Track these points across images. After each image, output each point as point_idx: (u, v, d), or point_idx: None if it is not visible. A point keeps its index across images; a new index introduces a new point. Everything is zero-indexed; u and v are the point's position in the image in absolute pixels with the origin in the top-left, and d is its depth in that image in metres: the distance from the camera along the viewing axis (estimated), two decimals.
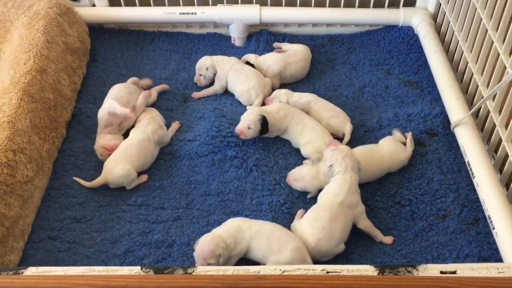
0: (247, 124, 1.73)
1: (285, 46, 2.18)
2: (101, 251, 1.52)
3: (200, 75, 2.03)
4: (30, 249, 1.51)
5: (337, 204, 1.49)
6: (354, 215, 1.52)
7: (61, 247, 1.52)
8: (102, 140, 1.76)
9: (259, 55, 2.12)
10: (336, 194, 1.51)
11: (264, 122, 1.73)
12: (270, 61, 2.05)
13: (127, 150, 1.71)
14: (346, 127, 1.81)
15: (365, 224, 1.54)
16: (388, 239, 1.54)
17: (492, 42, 1.69)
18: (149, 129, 1.76)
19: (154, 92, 1.97)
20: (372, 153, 1.69)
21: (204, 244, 1.41)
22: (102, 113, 1.81)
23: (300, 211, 1.57)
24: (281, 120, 1.77)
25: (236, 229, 1.46)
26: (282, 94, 1.90)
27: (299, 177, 1.65)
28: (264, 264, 1.44)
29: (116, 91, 1.87)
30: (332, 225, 1.47)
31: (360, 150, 1.68)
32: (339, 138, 1.79)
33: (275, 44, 2.21)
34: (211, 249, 1.39)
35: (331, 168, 1.57)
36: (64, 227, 1.58)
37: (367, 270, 0.94)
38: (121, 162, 1.67)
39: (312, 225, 1.48)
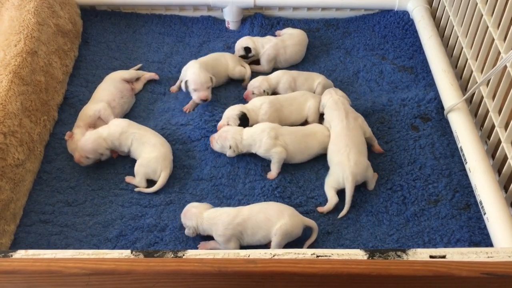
0: (226, 120, 1.72)
1: (283, 31, 2.15)
2: (93, 234, 1.51)
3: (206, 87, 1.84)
4: (21, 233, 1.51)
5: (345, 118, 1.66)
6: (360, 125, 1.68)
7: (53, 230, 1.52)
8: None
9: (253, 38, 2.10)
10: (338, 114, 1.69)
11: (244, 118, 1.72)
12: (267, 44, 2.03)
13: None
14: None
15: (369, 131, 1.71)
16: (380, 150, 1.72)
17: (487, 27, 1.68)
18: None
19: (141, 83, 1.96)
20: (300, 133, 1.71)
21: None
22: (92, 111, 1.77)
23: None
24: (266, 114, 1.74)
25: (221, 213, 1.47)
26: (260, 80, 1.88)
27: (224, 133, 1.66)
28: (265, 244, 1.46)
29: (110, 97, 1.81)
30: (352, 136, 1.62)
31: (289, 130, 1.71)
32: None
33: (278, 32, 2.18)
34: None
35: (321, 103, 1.78)
36: (56, 210, 1.57)
37: (357, 254, 0.95)
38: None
39: (337, 146, 1.62)
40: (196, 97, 1.83)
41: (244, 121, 1.71)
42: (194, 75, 1.82)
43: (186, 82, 1.84)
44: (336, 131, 1.66)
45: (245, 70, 1.98)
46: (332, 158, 1.62)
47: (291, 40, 2.06)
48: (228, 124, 1.71)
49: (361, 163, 1.58)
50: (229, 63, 1.97)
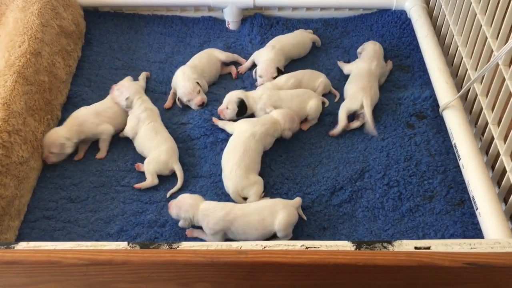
0: (225, 104, 1.79)
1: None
2: (95, 230, 1.55)
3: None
4: (25, 228, 1.55)
5: (374, 64, 1.95)
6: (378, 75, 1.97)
7: (56, 226, 1.56)
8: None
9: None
10: (372, 58, 1.97)
11: (241, 104, 1.78)
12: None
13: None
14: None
15: (383, 80, 2.02)
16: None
17: (481, 26, 1.71)
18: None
19: (142, 81, 1.99)
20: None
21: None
22: (83, 114, 1.77)
23: None
24: (265, 104, 1.80)
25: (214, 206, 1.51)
26: (269, 86, 1.91)
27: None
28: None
29: (104, 110, 1.81)
30: (374, 77, 1.91)
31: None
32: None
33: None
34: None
35: (363, 46, 2.06)
36: (59, 207, 1.61)
37: (345, 245, 0.98)
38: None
39: (363, 80, 1.88)
40: (193, 106, 1.89)
41: (242, 108, 1.79)
42: (181, 89, 1.89)
43: (179, 99, 1.91)
44: (362, 68, 1.92)
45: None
46: (356, 84, 1.87)
47: (291, 39, 2.11)
48: (227, 108, 1.79)
49: (377, 97, 1.88)
50: (218, 55, 2.05)
